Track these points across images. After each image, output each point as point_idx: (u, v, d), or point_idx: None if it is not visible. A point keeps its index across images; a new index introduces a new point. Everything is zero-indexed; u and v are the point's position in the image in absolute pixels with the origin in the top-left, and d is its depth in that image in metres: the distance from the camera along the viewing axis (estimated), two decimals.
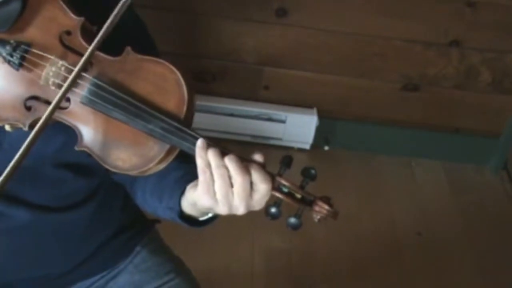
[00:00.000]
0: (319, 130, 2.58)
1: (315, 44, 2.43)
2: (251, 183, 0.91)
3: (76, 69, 0.93)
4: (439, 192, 2.59)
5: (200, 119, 2.47)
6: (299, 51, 2.46)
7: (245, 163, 0.91)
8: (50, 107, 0.92)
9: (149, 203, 1.14)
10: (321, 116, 2.56)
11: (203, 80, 2.53)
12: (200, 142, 0.91)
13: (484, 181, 2.68)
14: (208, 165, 0.91)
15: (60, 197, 1.14)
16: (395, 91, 2.56)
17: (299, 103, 2.57)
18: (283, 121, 2.56)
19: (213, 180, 0.91)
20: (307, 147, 2.63)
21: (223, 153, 0.91)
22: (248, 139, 2.59)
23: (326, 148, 2.66)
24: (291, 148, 2.63)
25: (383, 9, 2.35)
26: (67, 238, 1.18)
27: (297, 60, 2.49)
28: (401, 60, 2.48)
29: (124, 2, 0.95)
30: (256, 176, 0.91)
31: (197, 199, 0.96)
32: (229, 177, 0.91)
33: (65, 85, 0.93)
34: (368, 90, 2.55)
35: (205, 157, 0.91)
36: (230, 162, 0.90)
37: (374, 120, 2.64)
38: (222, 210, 0.93)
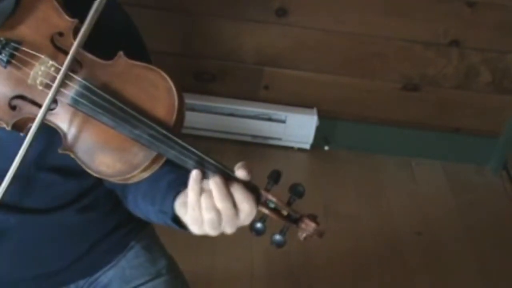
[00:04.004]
0: (319, 130, 2.58)
1: (315, 44, 2.43)
2: (235, 203, 0.91)
3: (64, 66, 0.92)
4: (439, 192, 2.59)
5: (200, 119, 2.47)
6: (299, 51, 2.46)
7: (228, 181, 0.91)
8: (42, 110, 0.91)
9: (141, 207, 1.13)
10: (321, 116, 2.55)
11: (203, 80, 2.53)
12: (195, 174, 0.91)
13: (484, 181, 2.68)
14: (198, 203, 0.91)
15: (50, 199, 1.13)
16: (395, 91, 2.56)
17: (299, 103, 2.57)
18: (283, 121, 2.56)
19: (202, 218, 0.92)
20: (307, 147, 2.63)
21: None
22: (248, 139, 2.59)
23: (326, 148, 2.66)
24: (291, 148, 2.63)
25: (383, 9, 2.35)
26: (60, 237, 1.18)
27: (297, 60, 2.48)
28: (401, 60, 2.48)
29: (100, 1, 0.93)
30: (238, 196, 0.91)
31: (186, 223, 0.96)
32: (218, 210, 0.91)
33: (55, 84, 0.92)
34: (368, 90, 2.55)
35: (196, 193, 0.91)
36: (213, 186, 0.90)
37: (374, 120, 2.64)
38: (211, 234, 0.94)
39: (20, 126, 0.96)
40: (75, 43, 0.92)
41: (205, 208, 0.91)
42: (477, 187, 2.64)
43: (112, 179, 0.94)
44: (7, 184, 0.93)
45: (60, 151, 0.95)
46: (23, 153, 0.92)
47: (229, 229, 0.93)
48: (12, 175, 0.93)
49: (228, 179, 0.91)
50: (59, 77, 0.92)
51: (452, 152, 2.71)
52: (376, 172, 2.63)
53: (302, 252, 2.21)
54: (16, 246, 1.15)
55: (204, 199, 0.91)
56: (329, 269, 2.19)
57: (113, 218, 1.25)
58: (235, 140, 2.58)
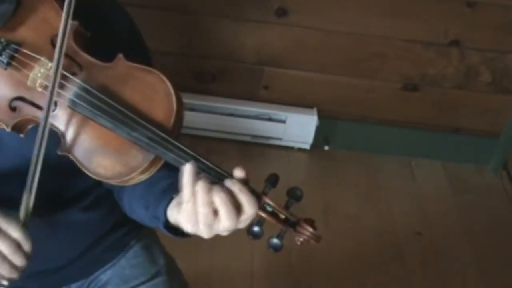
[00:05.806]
0: (319, 130, 2.58)
1: (315, 44, 2.43)
2: (238, 206, 0.89)
3: (54, 63, 0.91)
4: (439, 192, 2.59)
5: (200, 119, 2.47)
6: (299, 51, 2.46)
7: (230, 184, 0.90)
8: (44, 114, 0.92)
9: (136, 211, 1.13)
10: (321, 116, 2.55)
11: (202, 80, 2.53)
12: (189, 166, 0.89)
13: (484, 181, 2.68)
14: (193, 196, 0.89)
15: (50, 198, 1.13)
16: (395, 91, 2.56)
17: (299, 103, 2.57)
18: (283, 121, 2.56)
19: (196, 212, 0.90)
20: (307, 147, 2.63)
21: (212, 182, 0.89)
22: (248, 139, 2.59)
23: (326, 148, 2.66)
24: (291, 148, 2.63)
25: (383, 9, 2.35)
26: (60, 235, 1.18)
27: (297, 60, 2.49)
28: (401, 60, 2.48)
29: None
30: (244, 199, 0.89)
31: (179, 222, 0.95)
32: (215, 210, 0.89)
33: (50, 87, 0.92)
34: (368, 90, 2.55)
35: (191, 186, 0.89)
36: (217, 196, 0.88)
37: (374, 120, 2.64)
38: (205, 235, 0.92)
39: (20, 127, 0.96)
40: (59, 35, 0.92)
41: (201, 202, 0.89)
42: (477, 187, 2.64)
43: (110, 181, 0.94)
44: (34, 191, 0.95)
45: (59, 152, 0.95)
46: (39, 157, 0.94)
47: (225, 233, 0.92)
48: (36, 180, 0.95)
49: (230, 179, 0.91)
50: (52, 77, 0.92)
51: (452, 152, 2.71)
52: (376, 172, 2.63)
53: (302, 252, 2.21)
54: None
55: (201, 194, 0.88)
56: (329, 269, 2.19)
57: (113, 217, 1.25)
58: (235, 140, 2.58)
